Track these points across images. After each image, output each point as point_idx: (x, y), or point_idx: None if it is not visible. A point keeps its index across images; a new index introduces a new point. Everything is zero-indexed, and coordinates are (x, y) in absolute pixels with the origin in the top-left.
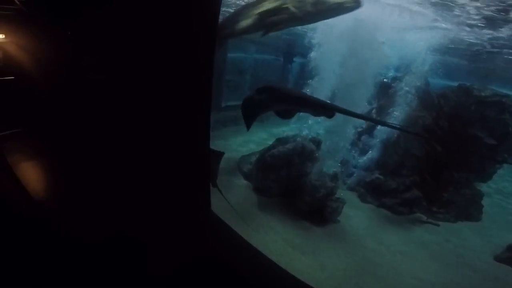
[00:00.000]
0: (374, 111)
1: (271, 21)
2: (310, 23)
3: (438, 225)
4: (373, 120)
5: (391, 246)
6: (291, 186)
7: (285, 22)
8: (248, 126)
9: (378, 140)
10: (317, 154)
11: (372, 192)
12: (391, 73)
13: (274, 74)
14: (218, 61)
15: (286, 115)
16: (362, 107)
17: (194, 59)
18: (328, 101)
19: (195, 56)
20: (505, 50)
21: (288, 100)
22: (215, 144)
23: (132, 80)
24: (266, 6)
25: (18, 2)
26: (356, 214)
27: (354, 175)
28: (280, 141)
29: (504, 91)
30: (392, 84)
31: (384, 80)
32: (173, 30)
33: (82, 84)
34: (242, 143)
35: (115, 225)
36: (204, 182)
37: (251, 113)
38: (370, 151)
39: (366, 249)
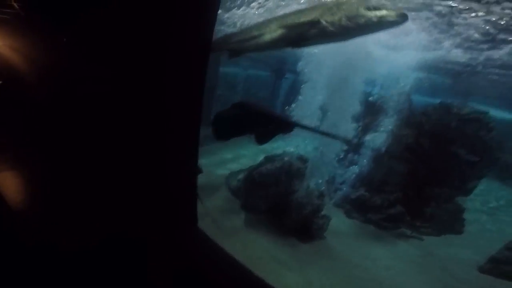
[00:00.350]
0: (360, 128)
1: (299, 36)
2: (346, 39)
3: (422, 239)
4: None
5: (377, 260)
6: (278, 204)
7: (315, 37)
8: (221, 138)
9: (363, 157)
10: (304, 172)
11: (357, 208)
12: (376, 91)
13: (266, 90)
14: (210, 75)
15: (262, 139)
16: (348, 125)
17: (186, 76)
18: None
19: (186, 73)
20: (487, 70)
21: (262, 118)
22: (204, 159)
23: (121, 92)
24: (294, 19)
25: (15, 6)
26: (343, 230)
27: (340, 192)
28: (268, 159)
29: (482, 107)
30: (377, 103)
31: (370, 98)
32: (167, 44)
33: (74, 92)
34: (231, 159)
35: (99, 237)
36: (191, 198)
37: (223, 132)
38: (356, 169)
39: (352, 265)
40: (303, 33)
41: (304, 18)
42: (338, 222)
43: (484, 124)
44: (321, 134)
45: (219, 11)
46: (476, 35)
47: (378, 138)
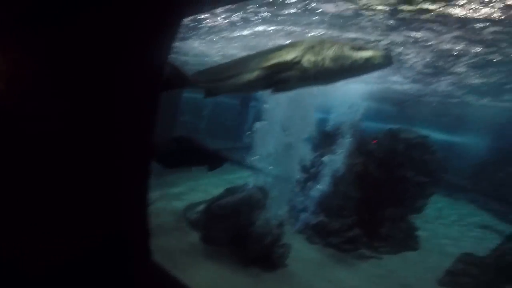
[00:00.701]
0: (317, 156)
1: (279, 78)
2: (328, 83)
3: (381, 258)
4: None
5: (341, 283)
6: (238, 235)
7: (296, 80)
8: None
9: (321, 185)
10: (264, 203)
11: (318, 233)
12: (331, 119)
13: (233, 117)
14: (171, 102)
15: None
16: (305, 152)
17: (135, 108)
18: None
19: (136, 104)
20: (429, 99)
21: (196, 153)
22: (161, 190)
23: (66, 127)
24: (273, 59)
25: None
26: (305, 256)
27: (301, 219)
28: (229, 190)
29: (425, 131)
30: (332, 132)
31: (325, 129)
32: (115, 74)
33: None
34: (190, 190)
35: (51, 272)
36: (144, 230)
37: (165, 162)
38: (315, 195)
39: None
40: (281, 75)
41: (282, 57)
42: (301, 249)
43: (427, 148)
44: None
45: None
46: (419, 69)
47: (334, 165)
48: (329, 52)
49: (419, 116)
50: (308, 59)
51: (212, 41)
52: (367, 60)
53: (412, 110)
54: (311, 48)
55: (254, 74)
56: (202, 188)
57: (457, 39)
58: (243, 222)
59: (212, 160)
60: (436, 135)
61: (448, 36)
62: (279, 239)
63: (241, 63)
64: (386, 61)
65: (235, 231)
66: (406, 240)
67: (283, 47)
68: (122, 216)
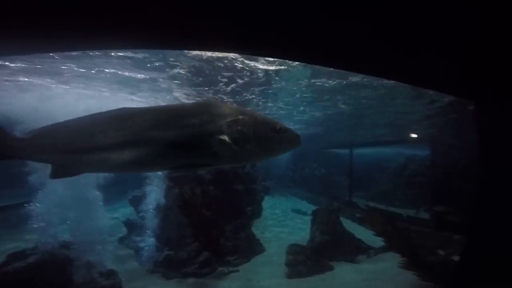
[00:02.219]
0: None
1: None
2: (242, 163)
3: (238, 270)
4: None
5: None
6: None
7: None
8: None
9: (151, 220)
10: (73, 258)
11: (170, 267)
12: None
13: None
14: None
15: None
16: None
17: None
18: None
19: None
20: None
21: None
22: None
23: None
24: (184, 127)
25: None
26: None
27: (147, 258)
28: (14, 256)
29: None
30: None
31: None
32: None
33: None
34: None
35: None
36: None
37: None
38: (150, 232)
39: None
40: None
41: (200, 128)
42: (160, 286)
43: None
44: None
45: None
46: None
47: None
48: (255, 130)
49: None
50: (234, 136)
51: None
52: (290, 142)
53: None
54: (237, 118)
55: (149, 148)
56: None
57: None
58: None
59: None
60: None
61: None
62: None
63: (118, 125)
64: (298, 142)
65: None
66: (252, 246)
67: (194, 107)
68: None
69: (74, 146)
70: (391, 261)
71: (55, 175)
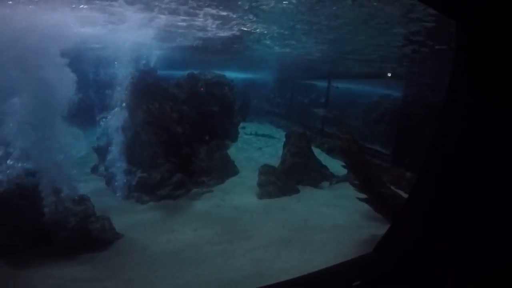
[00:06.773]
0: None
1: None
2: None
3: (212, 191)
4: None
5: (183, 229)
6: (35, 233)
7: None
8: None
9: (120, 142)
10: (40, 187)
11: (145, 191)
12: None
13: None
14: None
15: None
16: None
17: None
18: None
19: None
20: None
21: None
22: None
23: None
24: None
25: None
26: (141, 219)
27: (120, 184)
28: None
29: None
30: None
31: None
32: None
33: None
34: None
35: None
36: None
37: None
38: (119, 155)
39: (160, 245)
40: None
41: None
42: (135, 212)
43: (225, 84)
44: None
45: None
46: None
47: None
48: None
49: (212, 60)
50: None
51: None
52: None
53: (204, 55)
54: None
55: None
56: None
57: None
58: (30, 218)
59: None
60: (231, 74)
61: None
62: (88, 214)
63: None
64: None
65: (27, 231)
66: (227, 167)
67: None
68: None
69: None
70: (351, 190)
71: None
